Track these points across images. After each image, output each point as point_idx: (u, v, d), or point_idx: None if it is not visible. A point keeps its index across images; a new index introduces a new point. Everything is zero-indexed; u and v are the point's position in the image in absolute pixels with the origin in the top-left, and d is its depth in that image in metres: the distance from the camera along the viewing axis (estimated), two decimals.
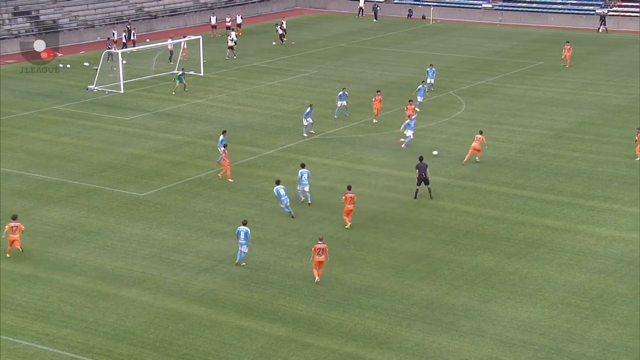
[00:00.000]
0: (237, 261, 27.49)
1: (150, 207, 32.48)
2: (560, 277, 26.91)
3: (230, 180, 34.88)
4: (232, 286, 26.22)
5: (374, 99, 43.50)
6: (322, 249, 26.16)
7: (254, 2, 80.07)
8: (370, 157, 38.41)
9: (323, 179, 35.28)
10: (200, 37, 56.42)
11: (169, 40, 57.94)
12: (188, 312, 24.67)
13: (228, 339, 23.28)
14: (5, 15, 63.36)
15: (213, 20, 67.96)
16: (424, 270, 27.39)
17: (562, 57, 56.95)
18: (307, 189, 32.31)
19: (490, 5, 77.02)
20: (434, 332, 23.61)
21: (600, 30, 70.06)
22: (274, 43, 64.49)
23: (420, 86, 45.65)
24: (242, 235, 27.19)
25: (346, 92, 44.46)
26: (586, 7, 74.12)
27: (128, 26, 63.16)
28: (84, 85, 51.27)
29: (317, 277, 26.35)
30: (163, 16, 72.25)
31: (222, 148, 35.33)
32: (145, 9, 72.06)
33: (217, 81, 53.08)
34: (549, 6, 75.23)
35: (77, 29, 65.66)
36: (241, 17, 68.99)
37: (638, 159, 37.71)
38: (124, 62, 52.66)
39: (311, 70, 56.31)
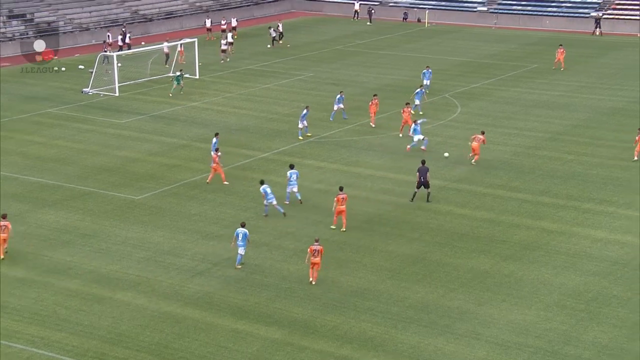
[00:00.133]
0: (239, 264, 27.50)
1: (145, 210, 32.43)
2: (556, 279, 26.94)
3: (225, 183, 34.85)
4: (228, 289, 26.19)
5: (370, 104, 43.51)
6: (318, 250, 26.18)
7: (249, 5, 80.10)
8: (366, 159, 38.43)
9: (319, 182, 35.27)
10: (195, 40, 56.42)
11: (165, 43, 57.92)
12: (183, 315, 24.63)
13: (223, 342, 23.24)
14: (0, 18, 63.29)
15: (208, 23, 67.94)
16: (419, 272, 27.39)
17: (555, 60, 57.11)
18: (295, 189, 32.48)
19: (485, 8, 77.17)
20: (429, 334, 23.61)
21: (595, 33, 70.24)
22: (268, 46, 64.48)
23: (418, 90, 45.78)
24: (241, 236, 27.25)
25: (342, 95, 44.53)
26: (581, 10, 74.30)
27: (123, 29, 63.12)
28: (79, 88, 51.19)
29: (312, 280, 26.36)
30: (158, 19, 72.23)
31: (213, 152, 35.38)
32: (141, 12, 72.02)
33: (212, 84, 53.06)
34: (544, 9, 75.40)
35: (72, 31, 65.56)
36: (236, 20, 68.98)
37: (635, 159, 37.85)
38: (119, 64, 52.61)
39: (307, 73, 56.33)
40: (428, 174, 32.75)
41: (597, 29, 70.37)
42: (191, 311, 24.84)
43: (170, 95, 49.30)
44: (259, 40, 66.17)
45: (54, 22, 65.39)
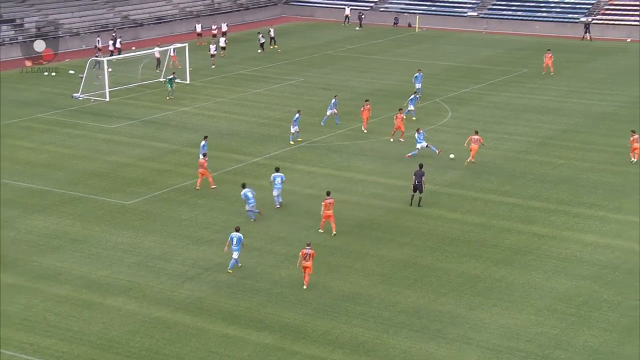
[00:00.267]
0: (234, 267, 27.54)
1: (136, 215, 32.34)
2: (547, 283, 26.99)
3: (213, 187, 34.81)
4: (219, 294, 26.12)
5: (362, 109, 43.52)
6: (309, 254, 26.19)
7: (240, 10, 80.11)
8: (357, 164, 38.44)
9: (310, 187, 35.26)
10: (186, 45, 56.38)
11: (156, 48, 57.85)
12: (174, 320, 24.55)
13: (214, 347, 23.17)
14: None
15: (198, 28, 67.93)
16: (410, 277, 27.39)
17: (544, 65, 57.34)
18: (277, 192, 32.60)
19: (475, 14, 77.42)
20: (421, 339, 23.61)
21: (584, 38, 70.57)
22: (259, 51, 64.45)
23: (412, 96, 45.95)
24: (235, 241, 27.24)
25: (336, 100, 44.58)
26: (571, 16, 74.64)
27: (113, 34, 63.00)
28: (70, 93, 51.05)
29: (304, 284, 26.35)
30: (149, 24, 72.13)
31: (201, 157, 35.35)
32: (131, 17, 71.91)
33: (203, 89, 53.01)
34: (534, 14, 75.69)
35: (62, 36, 65.38)
36: (227, 25, 68.96)
37: (634, 160, 38.07)
38: (110, 69, 52.50)
39: (297, 77, 56.35)
40: (423, 178, 32.80)
41: (587, 34, 70.69)
42: (182, 316, 24.76)
43: (168, 98, 49.37)
44: (250, 45, 66.15)
45: (43, 27, 65.21)
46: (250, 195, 31.15)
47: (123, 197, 34.18)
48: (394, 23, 77.44)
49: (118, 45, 61.29)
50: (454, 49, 66.86)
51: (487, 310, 25.26)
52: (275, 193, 32.68)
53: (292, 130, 41.14)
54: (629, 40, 70.22)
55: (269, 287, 26.61)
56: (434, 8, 79.00)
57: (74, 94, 50.50)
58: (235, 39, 68.27)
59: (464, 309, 25.31)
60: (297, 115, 41.27)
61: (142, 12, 72.97)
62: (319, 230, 30.60)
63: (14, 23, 64.40)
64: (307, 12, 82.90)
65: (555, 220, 32.02)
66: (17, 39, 62.98)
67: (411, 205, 33.01)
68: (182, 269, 27.82)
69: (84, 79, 51.36)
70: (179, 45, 57.11)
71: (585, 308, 25.43)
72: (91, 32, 66.59)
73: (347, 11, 78.55)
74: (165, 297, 25.94)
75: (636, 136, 38.48)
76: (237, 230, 27.58)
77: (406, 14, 78.15)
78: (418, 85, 49.47)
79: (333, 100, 44.44)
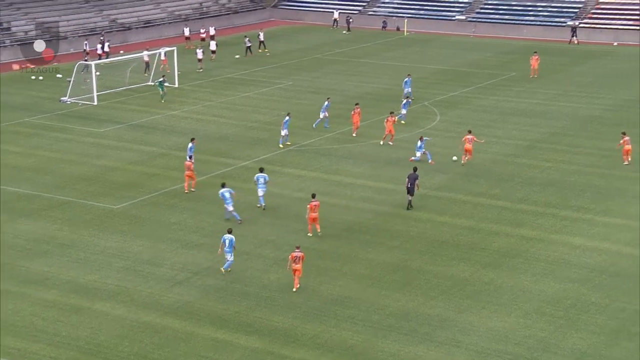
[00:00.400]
0: (225, 270, 27.49)
1: (124, 220, 32.23)
2: (535, 286, 27.08)
3: (192, 190, 34.77)
4: (208, 298, 26.06)
5: (352, 113, 43.56)
6: (299, 257, 26.22)
7: (229, 14, 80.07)
8: (346, 168, 38.47)
9: (299, 190, 35.25)
10: (174, 48, 56.29)
11: (145, 52, 57.71)
12: (163, 325, 24.47)
13: (203, 351, 23.11)
14: None
15: (187, 32, 67.84)
16: (400, 280, 27.42)
17: (531, 68, 57.58)
18: (262, 193, 32.69)
19: (463, 17, 77.70)
20: (410, 342, 23.63)
21: (571, 42, 70.93)
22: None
23: (405, 101, 46.16)
24: (227, 243, 27.23)
25: (329, 103, 44.63)
26: (558, 19, 75.04)
27: (102, 38, 62.83)
28: (57, 97, 50.86)
29: (294, 286, 26.35)
30: (137, 28, 71.97)
31: (188, 160, 35.31)
32: (119, 21, 71.74)
33: (192, 92, 52.93)
34: (521, 18, 76.03)
35: (50, 40, 65.07)
36: (214, 29, 68.84)
37: (626, 163, 38.35)
38: (98, 73, 52.34)
39: (286, 81, 56.36)
40: (417, 182, 32.85)
41: (574, 38, 71.08)
42: (171, 321, 24.68)
43: (163, 101, 49.30)
44: (239, 49, 66.09)
45: (30, 31, 64.95)
46: (227, 195, 31.32)
47: (111, 201, 34.06)
48: (383, 27, 77.59)
49: (107, 49, 61.15)
50: (443, 53, 67.06)
51: (476, 313, 25.31)
52: (260, 193, 32.80)
53: (282, 133, 41.15)
54: (615, 44, 70.65)
55: (258, 291, 26.57)
56: (422, 12, 79.24)
57: (62, 98, 50.32)
58: (223, 42, 68.18)
59: (453, 312, 25.36)
60: (287, 118, 41.28)
61: (130, 16, 72.82)
62: (308, 234, 30.59)
63: (1, 27, 64.09)
64: (296, 15, 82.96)
65: (543, 223, 32.14)
66: (4, 42, 62.67)
67: (408, 209, 33.01)
68: (170, 273, 27.74)
69: (71, 82, 51.19)
70: (167, 49, 57.01)
71: (573, 311, 25.52)
72: (79, 36, 66.37)
73: (336, 15, 78.66)
74: (154, 301, 25.85)
75: (627, 138, 38.69)
76: (230, 232, 27.58)
77: (394, 18, 78.33)
78: (407, 90, 49.59)
79: (326, 103, 44.50)
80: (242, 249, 29.37)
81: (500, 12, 77.23)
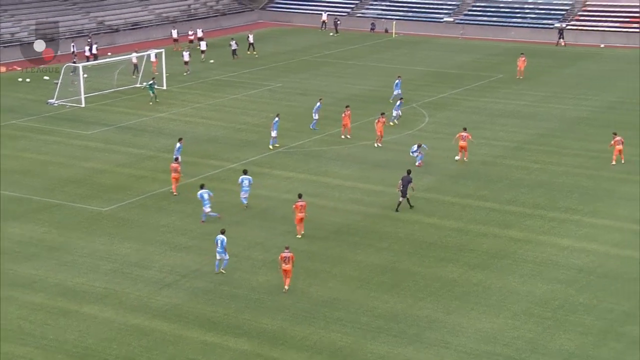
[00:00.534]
0: (217, 271, 27.48)
1: (112, 222, 32.12)
2: (523, 287, 27.17)
3: (174, 193, 34.72)
4: (196, 301, 26.00)
5: (343, 115, 43.56)
6: (288, 257, 26.22)
7: (217, 16, 79.95)
8: (334, 169, 38.48)
9: (287, 192, 35.23)
10: (162, 50, 56.16)
11: (133, 54, 57.54)
12: (151, 327, 24.39)
13: (192, 354, 23.05)
14: None
15: (174, 34, 67.70)
16: (388, 282, 27.45)
17: (518, 69, 57.81)
18: (245, 195, 32.77)
19: (451, 19, 77.91)
20: (398, 344, 23.65)
21: (559, 44, 71.25)
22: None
23: (399, 102, 46.31)
24: (219, 243, 27.25)
25: (320, 104, 44.68)
26: (545, 21, 75.35)
27: (89, 40, 62.60)
28: (44, 99, 50.63)
29: (284, 287, 26.35)
30: (125, 30, 71.76)
31: (174, 162, 35.25)
32: (107, 23, 71.51)
33: (180, 94, 52.82)
34: (509, 20, 76.31)
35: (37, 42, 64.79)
36: (202, 31, 68.65)
37: (614, 163, 38.55)
38: (85, 75, 52.14)
39: (275, 83, 56.34)
40: (409, 185, 32.90)
41: (561, 40, 71.40)
42: (159, 323, 24.61)
43: (151, 103, 49.21)
44: (227, 51, 66.00)
45: (17, 32, 64.64)
46: (206, 196, 31.43)
47: (100, 204, 33.93)
48: (371, 29, 77.68)
49: (94, 51, 60.94)
50: (431, 55, 67.22)
51: (465, 314, 25.36)
52: (243, 195, 32.84)
53: (273, 135, 41.15)
54: (602, 45, 71.01)
55: (246, 293, 26.53)
56: (410, 14, 79.36)
57: (49, 100, 50.10)
58: (211, 44, 68.02)
59: (442, 313, 25.40)
60: (276, 119, 41.27)
61: (117, 18, 72.59)
62: (297, 236, 30.58)
63: None
64: (284, 17, 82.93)
65: (532, 225, 32.25)
66: None
67: (410, 208, 33.12)
68: (159, 276, 27.66)
69: (59, 84, 50.98)
70: (156, 51, 56.86)
71: (561, 312, 25.62)
72: (66, 38, 66.08)
73: (324, 17, 78.67)
74: (142, 304, 25.76)
75: (618, 138, 38.85)
76: (222, 232, 27.61)
77: (383, 20, 78.43)
78: (397, 92, 49.70)
79: (318, 104, 44.53)
80: (231, 251, 29.30)
81: (488, 14, 77.48)
